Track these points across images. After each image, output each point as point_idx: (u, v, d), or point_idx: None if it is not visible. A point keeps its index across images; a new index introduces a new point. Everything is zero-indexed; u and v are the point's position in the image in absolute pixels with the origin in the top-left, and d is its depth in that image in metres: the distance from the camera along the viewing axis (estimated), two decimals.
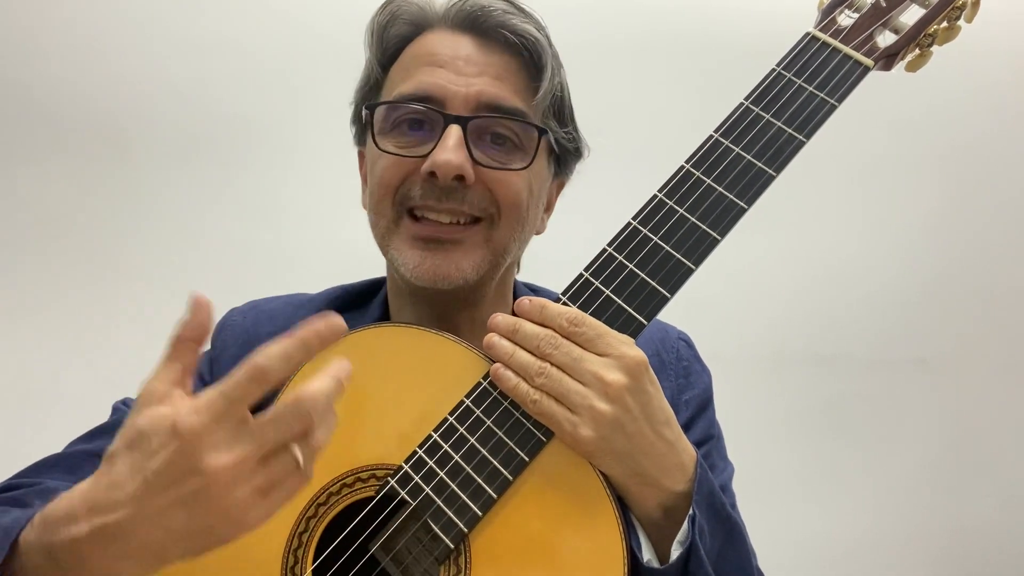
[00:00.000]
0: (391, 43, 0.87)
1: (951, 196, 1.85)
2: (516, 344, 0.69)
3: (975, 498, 1.78)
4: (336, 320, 0.54)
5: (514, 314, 0.72)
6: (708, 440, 0.91)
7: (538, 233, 0.94)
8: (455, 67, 0.81)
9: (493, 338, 0.71)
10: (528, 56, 0.83)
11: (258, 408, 0.81)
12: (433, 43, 0.84)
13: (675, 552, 0.67)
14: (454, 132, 0.78)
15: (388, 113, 0.84)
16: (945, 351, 1.82)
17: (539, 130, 0.83)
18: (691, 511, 0.67)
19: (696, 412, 0.91)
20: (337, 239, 1.58)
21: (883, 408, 1.80)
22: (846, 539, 1.73)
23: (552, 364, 0.68)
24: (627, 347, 0.67)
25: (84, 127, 1.68)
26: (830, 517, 1.73)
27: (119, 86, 1.69)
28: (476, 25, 0.83)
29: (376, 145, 0.83)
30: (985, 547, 1.77)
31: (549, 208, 0.96)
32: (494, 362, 0.71)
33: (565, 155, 0.92)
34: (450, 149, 0.77)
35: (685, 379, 0.93)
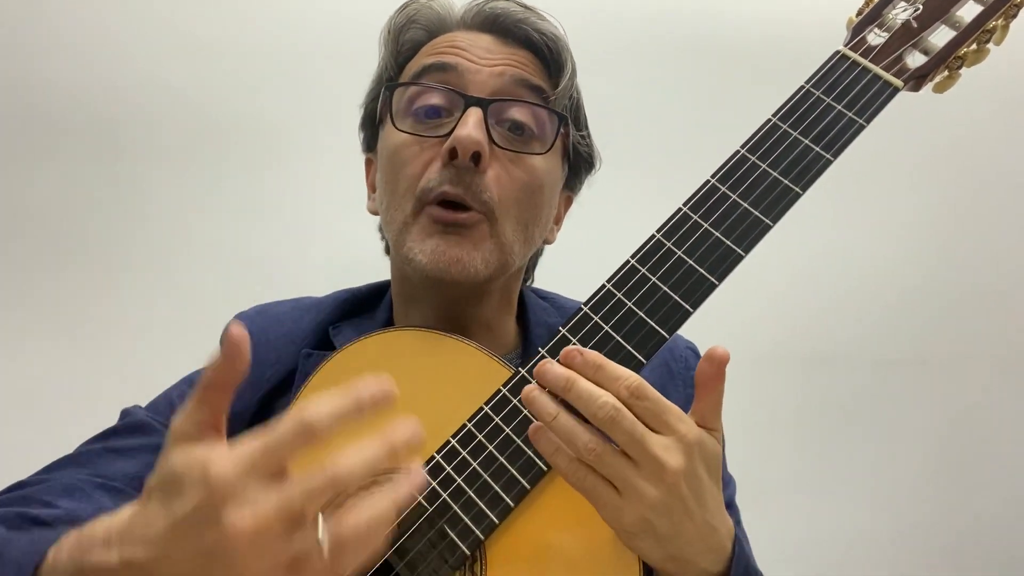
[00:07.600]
0: (405, 47, 0.88)
1: (951, 195, 1.84)
2: (565, 399, 0.61)
3: (976, 498, 1.79)
4: (391, 388, 0.51)
5: (546, 354, 0.68)
6: None
7: (548, 243, 0.94)
8: (475, 53, 0.82)
9: (534, 392, 0.62)
10: (548, 53, 0.84)
11: None
12: (452, 37, 0.85)
13: None
14: (474, 112, 0.79)
15: (407, 95, 0.84)
16: (945, 351, 1.82)
17: (559, 116, 0.84)
18: None
19: None
20: (334, 240, 1.58)
21: (883, 408, 1.81)
22: (847, 538, 1.74)
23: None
24: (685, 425, 0.61)
25: (79, 128, 1.66)
26: (830, 517, 1.74)
27: (114, 87, 1.67)
28: (495, 25, 0.85)
29: (395, 126, 0.83)
30: (986, 547, 1.77)
31: (558, 220, 0.95)
32: (515, 378, 0.71)
33: (578, 162, 0.92)
34: (471, 126, 0.78)
35: (695, 389, 0.93)
